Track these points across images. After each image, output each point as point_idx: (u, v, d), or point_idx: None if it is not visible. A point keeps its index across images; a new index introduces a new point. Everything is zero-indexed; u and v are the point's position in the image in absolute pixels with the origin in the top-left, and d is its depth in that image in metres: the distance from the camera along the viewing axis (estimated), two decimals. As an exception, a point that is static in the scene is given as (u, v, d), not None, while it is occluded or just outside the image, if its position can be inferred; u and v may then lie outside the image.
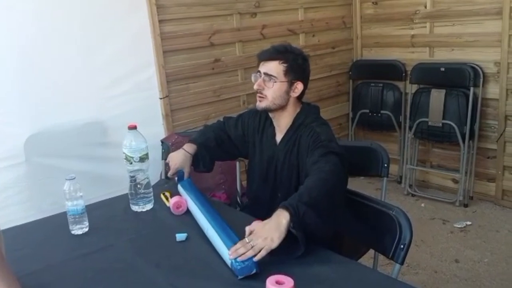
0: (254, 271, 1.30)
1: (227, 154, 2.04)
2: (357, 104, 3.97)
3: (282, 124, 1.83)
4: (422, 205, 3.48)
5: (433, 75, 3.43)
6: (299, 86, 1.79)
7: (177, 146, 2.72)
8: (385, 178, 2.03)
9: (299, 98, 1.83)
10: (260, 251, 1.31)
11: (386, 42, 3.82)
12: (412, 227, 1.43)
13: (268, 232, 1.34)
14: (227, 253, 1.35)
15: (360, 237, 1.65)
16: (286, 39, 3.40)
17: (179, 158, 1.93)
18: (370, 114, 3.88)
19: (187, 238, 1.56)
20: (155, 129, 2.82)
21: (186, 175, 1.92)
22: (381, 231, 1.51)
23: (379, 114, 3.83)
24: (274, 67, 1.77)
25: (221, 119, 2.11)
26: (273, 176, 1.86)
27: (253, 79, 1.84)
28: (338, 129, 4.04)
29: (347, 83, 4.03)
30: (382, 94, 3.81)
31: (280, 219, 1.35)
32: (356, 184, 2.03)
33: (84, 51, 2.53)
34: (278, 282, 1.13)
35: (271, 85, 1.77)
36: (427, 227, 3.13)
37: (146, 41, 2.74)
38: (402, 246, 1.41)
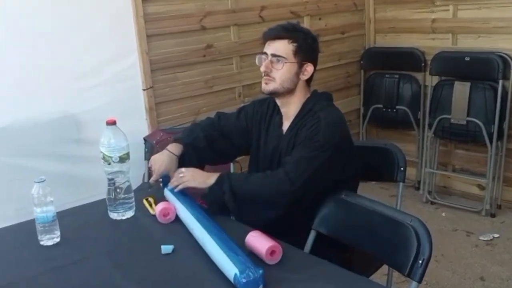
0: (261, 286, 1.31)
1: (220, 155, 2.06)
2: (369, 98, 3.97)
3: (290, 110, 1.90)
4: (443, 214, 3.49)
5: (457, 66, 3.43)
6: (308, 69, 1.87)
7: (162, 145, 2.72)
8: (401, 184, 2.03)
9: (308, 82, 1.91)
10: (182, 183, 1.81)
11: (403, 27, 3.81)
12: (431, 239, 1.44)
13: (197, 173, 1.84)
14: (228, 267, 1.36)
15: (372, 250, 1.66)
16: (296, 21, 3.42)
17: (164, 160, 1.95)
18: (384, 109, 3.88)
19: (173, 250, 1.55)
20: (137, 125, 2.83)
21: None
22: (396, 244, 1.51)
23: (395, 110, 3.83)
24: (283, 47, 1.83)
25: (213, 116, 2.13)
26: (276, 166, 1.88)
27: (257, 61, 1.90)
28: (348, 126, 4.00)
29: (358, 74, 4.03)
30: (398, 87, 3.81)
31: (209, 179, 1.79)
32: (368, 190, 2.04)
33: (55, 36, 2.52)
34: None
35: (280, 66, 1.83)
36: (448, 240, 3.13)
37: (127, 23, 2.73)
38: (420, 262, 1.41)
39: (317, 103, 1.86)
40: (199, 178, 1.81)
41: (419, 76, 3.75)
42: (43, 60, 2.50)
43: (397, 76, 3.82)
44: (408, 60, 3.76)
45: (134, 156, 2.73)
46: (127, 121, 2.69)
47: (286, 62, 1.83)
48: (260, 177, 1.76)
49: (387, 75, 3.87)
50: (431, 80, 3.59)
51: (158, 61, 2.89)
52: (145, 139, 2.77)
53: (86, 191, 2.48)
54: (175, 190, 1.84)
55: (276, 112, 1.97)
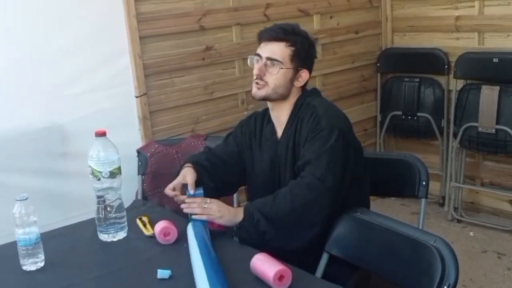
0: None
1: (223, 183, 2.07)
2: (387, 105, 3.99)
3: (282, 115, 1.96)
4: (471, 234, 3.48)
5: (484, 68, 3.44)
6: (304, 75, 1.94)
7: (157, 158, 2.75)
8: (423, 200, 2.04)
9: (302, 88, 1.98)
10: (205, 215, 1.76)
11: (423, 26, 3.82)
12: (458, 262, 1.44)
13: (224, 209, 1.78)
14: None
15: (390, 275, 1.66)
16: (295, 22, 3.43)
17: (189, 172, 1.96)
18: (403, 117, 3.89)
19: (171, 276, 1.56)
20: (130, 136, 2.82)
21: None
22: (418, 268, 1.52)
23: (415, 118, 3.84)
24: (280, 50, 1.88)
25: (202, 149, 2.23)
26: (277, 178, 1.94)
27: (249, 61, 1.96)
28: (363, 136, 4.02)
29: (374, 78, 4.04)
30: (418, 92, 3.82)
31: (236, 217, 1.76)
32: (386, 207, 2.05)
33: (38, 37, 2.52)
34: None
35: (275, 71, 1.88)
36: (477, 262, 3.12)
37: (117, 24, 2.73)
38: (445, 288, 1.42)
39: (307, 97, 1.93)
40: (226, 215, 1.78)
41: (442, 79, 3.76)
42: (24, 64, 2.50)
43: (417, 79, 3.83)
44: (429, 62, 3.76)
45: (126, 170, 2.73)
46: (118, 132, 2.69)
47: (282, 68, 1.88)
48: (288, 191, 1.76)
49: (406, 79, 3.88)
50: (456, 84, 3.59)
51: (152, 65, 2.88)
52: (138, 152, 2.77)
53: (74, 209, 2.48)
54: (197, 217, 1.80)
55: (266, 122, 2.02)
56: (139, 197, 2.70)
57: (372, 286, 1.89)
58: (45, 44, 2.55)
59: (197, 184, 1.91)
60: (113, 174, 1.79)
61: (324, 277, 1.74)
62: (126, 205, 2.14)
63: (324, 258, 1.77)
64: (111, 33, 2.73)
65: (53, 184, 2.59)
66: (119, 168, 1.81)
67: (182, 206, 1.82)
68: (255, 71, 1.90)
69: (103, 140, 1.80)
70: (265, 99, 1.93)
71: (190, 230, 1.75)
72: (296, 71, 1.90)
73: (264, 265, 1.49)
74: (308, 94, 1.98)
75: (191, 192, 1.87)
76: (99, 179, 1.78)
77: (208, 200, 1.81)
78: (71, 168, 2.60)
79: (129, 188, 2.70)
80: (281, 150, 1.93)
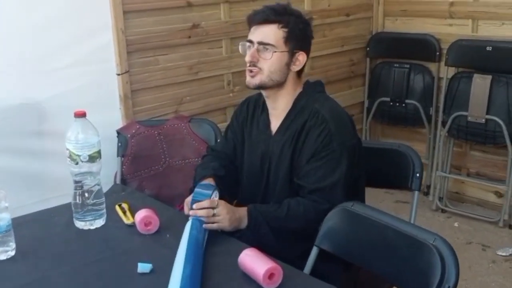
0: None
1: (236, 183, 2.02)
2: (375, 90, 3.96)
3: (279, 106, 1.87)
4: (456, 224, 3.47)
5: (476, 56, 3.42)
6: (301, 58, 1.83)
7: (137, 139, 2.68)
8: (416, 192, 2.02)
9: (299, 73, 1.88)
10: (213, 224, 1.67)
11: (415, 11, 3.79)
12: (458, 263, 1.41)
13: (234, 215, 1.70)
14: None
15: (384, 273, 1.61)
16: (286, 1, 3.35)
17: None
18: (391, 103, 3.87)
19: (152, 270, 1.50)
20: (110, 115, 2.76)
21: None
22: (415, 268, 1.47)
23: (404, 104, 3.82)
24: (272, 33, 1.79)
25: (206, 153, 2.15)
26: (266, 177, 1.89)
27: (240, 49, 1.87)
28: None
29: (363, 62, 4.02)
30: (408, 78, 3.80)
31: (241, 224, 1.72)
32: (370, 195, 2.02)
33: (14, 9, 2.43)
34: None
35: (268, 56, 1.79)
36: (461, 254, 3.06)
37: None
38: (445, 290, 1.37)
39: (311, 96, 1.85)
40: (234, 222, 1.71)
41: (432, 66, 3.74)
42: None
43: (407, 66, 3.81)
44: (420, 48, 3.74)
45: (105, 151, 2.67)
46: (98, 110, 2.65)
47: (275, 51, 1.78)
48: (302, 213, 1.74)
49: (396, 65, 3.86)
50: (447, 72, 3.57)
51: (135, 41, 2.81)
52: (118, 132, 2.71)
53: (50, 191, 2.47)
54: (204, 226, 1.67)
55: (259, 112, 1.94)
56: (118, 179, 2.65)
57: (361, 281, 1.83)
58: (22, 16, 2.46)
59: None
60: (92, 158, 1.72)
61: (312, 272, 1.68)
62: (104, 189, 2.07)
63: (314, 252, 1.71)
64: (93, 6, 2.65)
65: (28, 165, 2.52)
66: (99, 152, 1.74)
67: (190, 212, 1.70)
68: (247, 58, 1.80)
69: (83, 121, 1.72)
70: (260, 87, 1.83)
71: (186, 230, 1.63)
72: (292, 54, 1.80)
73: (254, 262, 1.43)
74: (311, 90, 1.88)
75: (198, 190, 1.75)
76: (77, 163, 1.71)
77: (216, 202, 1.71)
78: (47, 148, 2.53)
79: (107, 170, 2.66)
80: (274, 147, 1.85)
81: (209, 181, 1.86)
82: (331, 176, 1.73)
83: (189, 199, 1.75)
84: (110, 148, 2.64)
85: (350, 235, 1.67)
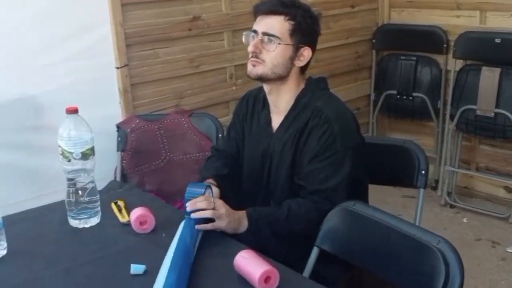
0: None
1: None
2: (382, 83, 3.94)
3: (281, 102, 1.84)
4: (465, 220, 3.45)
5: (485, 48, 3.38)
6: (306, 53, 1.79)
7: (137, 134, 2.66)
8: (421, 190, 1.98)
9: (303, 69, 1.84)
10: (208, 224, 1.62)
11: (422, 2, 3.76)
12: (463, 268, 1.36)
13: (230, 216, 1.65)
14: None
15: (386, 275, 1.57)
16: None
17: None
18: (398, 96, 3.84)
19: (145, 271, 1.46)
20: (109, 110, 2.76)
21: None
22: (417, 271, 1.43)
23: (411, 98, 3.79)
24: (278, 25, 1.75)
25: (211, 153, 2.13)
26: (267, 175, 1.86)
27: (244, 39, 1.82)
28: (355, 115, 3.94)
29: (369, 55, 3.99)
30: (415, 71, 3.77)
31: (240, 226, 1.67)
32: (377, 189, 1.98)
33: (10, 3, 2.41)
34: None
35: (272, 47, 1.75)
36: (470, 251, 3.08)
37: None
38: (449, 294, 1.34)
39: (315, 94, 1.81)
40: (232, 223, 1.65)
41: (440, 59, 3.70)
42: None
43: (414, 58, 3.78)
44: (428, 40, 3.71)
45: (105, 146, 2.68)
46: (97, 105, 2.71)
47: (280, 43, 1.74)
48: (304, 213, 1.70)
49: (402, 57, 3.83)
50: (454, 64, 3.53)
51: (134, 34, 2.79)
52: (118, 126, 2.70)
53: (47, 187, 2.46)
54: (197, 227, 1.61)
55: (260, 107, 1.90)
56: (118, 175, 2.65)
57: (364, 283, 1.80)
58: (19, 9, 2.46)
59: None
60: (85, 155, 1.68)
61: (313, 274, 1.64)
62: (104, 184, 2.05)
63: (314, 253, 1.67)
64: None
65: (25, 160, 2.52)
66: (92, 149, 1.70)
67: (188, 208, 1.63)
68: (250, 48, 1.76)
69: (75, 117, 1.68)
70: (261, 78, 1.79)
71: (178, 232, 1.59)
72: (296, 48, 1.76)
73: (249, 264, 1.38)
74: (314, 87, 1.84)
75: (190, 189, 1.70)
76: (69, 161, 1.67)
77: (211, 199, 1.66)
78: (44, 143, 2.49)
79: (108, 165, 2.69)
80: (276, 145, 1.82)
81: (209, 181, 1.83)
82: (334, 178, 1.70)
83: None
84: (110, 143, 2.65)
85: (351, 236, 1.63)
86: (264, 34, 1.74)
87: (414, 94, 3.77)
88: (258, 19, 1.78)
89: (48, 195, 2.16)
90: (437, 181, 3.76)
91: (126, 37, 2.75)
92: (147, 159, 2.66)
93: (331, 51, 3.68)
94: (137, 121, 2.68)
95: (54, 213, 1.82)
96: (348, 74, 3.88)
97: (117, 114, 2.79)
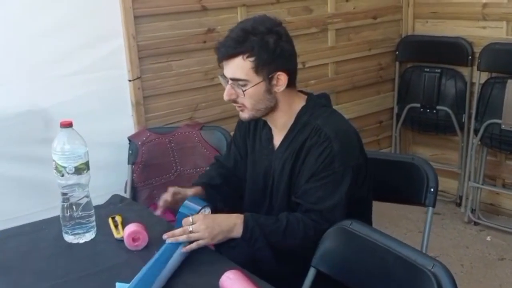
0: None
1: (237, 194, 1.97)
2: (405, 96, 3.89)
3: (279, 124, 1.80)
4: (488, 238, 3.36)
5: (511, 60, 3.31)
6: (282, 77, 1.70)
7: (148, 147, 2.65)
8: (430, 209, 1.92)
9: (290, 85, 1.75)
10: (193, 242, 1.59)
11: (447, 13, 3.70)
12: None
13: (215, 227, 1.62)
14: None
15: None
16: (307, 5, 3.29)
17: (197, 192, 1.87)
18: (422, 110, 3.79)
19: None
20: (121, 123, 2.77)
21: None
22: None
23: (434, 111, 3.73)
24: (240, 66, 1.66)
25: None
26: (269, 195, 1.82)
27: (222, 82, 1.77)
28: (378, 128, 3.94)
29: (392, 67, 3.94)
30: (439, 84, 3.72)
31: (234, 230, 1.64)
32: (397, 208, 1.92)
33: (23, 14, 2.44)
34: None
35: (243, 91, 1.68)
36: (493, 271, 3.00)
37: (110, 1, 2.64)
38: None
39: (315, 111, 1.74)
40: (219, 235, 1.63)
41: (465, 71, 3.64)
42: (6, 42, 2.42)
43: (438, 70, 3.72)
44: (452, 51, 3.65)
45: (117, 159, 2.65)
46: (109, 117, 2.70)
47: (248, 86, 1.66)
48: (302, 230, 1.65)
49: (426, 69, 3.77)
50: (479, 77, 3.47)
51: (147, 47, 2.79)
52: (129, 139, 2.68)
53: (55, 199, 2.38)
54: (183, 250, 1.59)
55: (262, 125, 1.86)
56: (128, 187, 2.64)
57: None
58: (31, 21, 2.48)
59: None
60: (78, 170, 1.67)
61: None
62: (109, 195, 2.05)
63: (311, 273, 1.61)
64: (103, 11, 2.66)
65: (34, 172, 2.52)
66: (86, 164, 1.69)
67: (164, 236, 1.61)
68: (225, 97, 1.73)
69: (69, 131, 1.67)
70: (253, 119, 1.78)
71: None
72: (269, 79, 1.67)
73: (234, 286, 1.33)
74: (314, 104, 1.77)
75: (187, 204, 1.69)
76: (63, 175, 1.67)
77: (190, 219, 1.62)
78: None
79: (120, 178, 2.68)
80: (276, 163, 1.78)
81: (199, 190, 1.84)
82: (330, 199, 1.64)
83: (167, 195, 1.77)
84: (122, 156, 2.66)
85: (347, 256, 1.58)
86: (232, 80, 1.68)
87: (438, 107, 3.70)
88: (224, 63, 1.71)
89: (56, 208, 2.11)
90: (461, 197, 3.68)
91: (139, 49, 2.76)
92: (157, 172, 2.65)
93: (352, 63, 3.64)
94: (148, 134, 2.68)
95: (51, 227, 1.81)
96: (370, 87, 3.83)
97: (129, 127, 2.79)
